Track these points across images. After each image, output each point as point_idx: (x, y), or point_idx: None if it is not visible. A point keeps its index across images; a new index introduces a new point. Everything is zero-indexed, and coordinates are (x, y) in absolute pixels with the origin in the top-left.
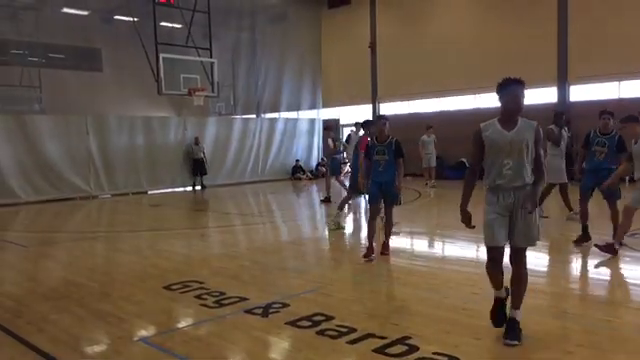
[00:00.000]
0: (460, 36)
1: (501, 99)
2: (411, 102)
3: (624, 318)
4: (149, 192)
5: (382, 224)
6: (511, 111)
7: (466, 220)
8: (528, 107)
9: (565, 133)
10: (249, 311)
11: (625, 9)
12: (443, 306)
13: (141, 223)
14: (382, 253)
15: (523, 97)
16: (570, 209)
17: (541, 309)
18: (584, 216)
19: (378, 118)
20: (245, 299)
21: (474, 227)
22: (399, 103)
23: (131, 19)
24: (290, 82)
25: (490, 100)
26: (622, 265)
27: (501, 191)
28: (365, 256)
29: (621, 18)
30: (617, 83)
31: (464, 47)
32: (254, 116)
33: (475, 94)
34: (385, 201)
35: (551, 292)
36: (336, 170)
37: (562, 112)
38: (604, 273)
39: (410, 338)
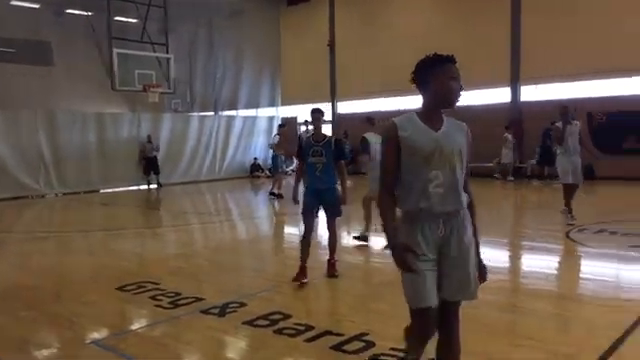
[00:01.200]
0: (418, 35)
1: (430, 84)
2: (371, 101)
3: (573, 311)
4: (101, 191)
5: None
6: (447, 101)
7: (407, 260)
8: (483, 107)
9: (575, 128)
10: (205, 311)
11: (575, 13)
12: (400, 302)
13: (93, 223)
14: (330, 275)
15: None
16: (567, 207)
17: (491, 304)
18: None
19: (313, 112)
20: (201, 299)
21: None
22: (358, 101)
23: (84, 13)
24: (248, 79)
25: None
26: (570, 259)
27: (425, 221)
28: (295, 279)
29: (572, 21)
30: (568, 84)
31: (422, 46)
32: (212, 113)
33: None
34: (325, 212)
35: (501, 287)
36: (276, 168)
37: (566, 106)
38: (553, 267)
39: (367, 334)
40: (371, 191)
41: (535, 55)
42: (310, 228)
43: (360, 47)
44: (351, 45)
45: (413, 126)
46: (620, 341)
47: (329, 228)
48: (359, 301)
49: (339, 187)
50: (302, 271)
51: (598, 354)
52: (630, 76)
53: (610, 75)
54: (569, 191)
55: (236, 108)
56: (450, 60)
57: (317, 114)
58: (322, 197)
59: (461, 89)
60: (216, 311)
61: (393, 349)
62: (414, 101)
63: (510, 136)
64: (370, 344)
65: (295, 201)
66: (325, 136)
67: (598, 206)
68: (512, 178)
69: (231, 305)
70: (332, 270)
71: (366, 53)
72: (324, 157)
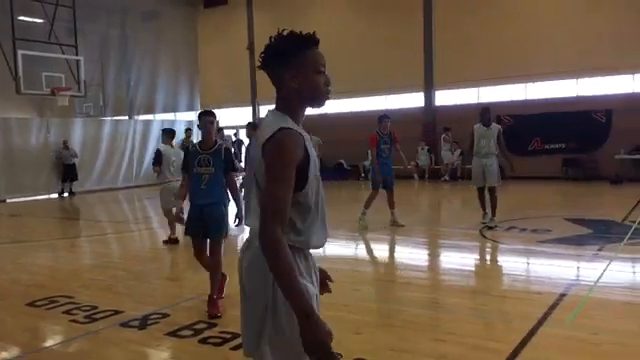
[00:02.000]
0: (335, 40)
1: (291, 77)
2: None
3: (489, 305)
4: (8, 200)
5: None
6: (317, 101)
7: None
8: (399, 111)
9: (491, 131)
10: (125, 324)
11: (485, 22)
12: (324, 304)
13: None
14: (210, 315)
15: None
16: (482, 208)
17: (412, 301)
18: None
19: (202, 115)
20: (120, 312)
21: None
22: None
23: None
24: (165, 82)
25: (366, 104)
26: (485, 256)
27: (309, 258)
28: (210, 313)
29: (481, 29)
30: (476, 89)
31: (339, 51)
32: (126, 117)
33: (350, 97)
34: (207, 232)
35: (421, 284)
36: None
37: (487, 108)
38: (469, 264)
39: None
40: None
41: (447, 61)
42: (201, 249)
43: None
44: None
45: (305, 135)
46: (533, 332)
47: (211, 253)
48: None
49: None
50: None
51: (514, 345)
52: (534, 81)
53: (516, 80)
54: (481, 193)
55: (153, 112)
56: (315, 42)
57: (207, 117)
58: (205, 214)
59: (329, 83)
60: (136, 323)
61: None
62: (335, 105)
63: (449, 137)
64: None
65: (178, 219)
66: (216, 142)
67: (507, 205)
68: (447, 178)
69: (152, 316)
70: (213, 310)
71: None
72: (212, 167)
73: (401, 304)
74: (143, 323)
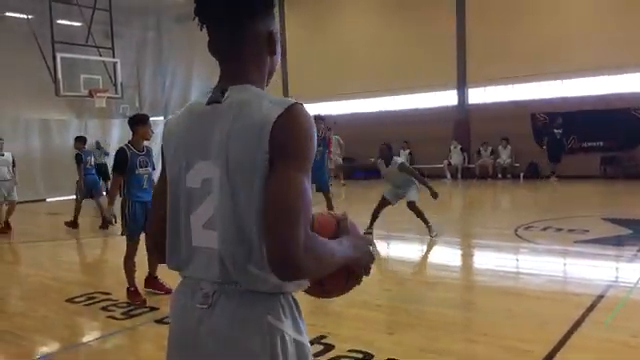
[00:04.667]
0: (366, 39)
1: (276, 33)
2: (320, 104)
3: (523, 306)
4: (48, 200)
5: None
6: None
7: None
8: (430, 110)
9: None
10: (160, 321)
11: (519, 16)
12: (356, 304)
13: (39, 233)
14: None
15: None
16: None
17: (447, 301)
18: None
19: (143, 118)
20: (156, 309)
21: None
22: (309, 105)
23: (24, 16)
24: (200, 83)
25: (397, 102)
26: (520, 256)
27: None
28: (134, 300)
29: (515, 25)
30: (511, 86)
31: (370, 50)
32: (162, 118)
33: (381, 96)
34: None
35: (455, 285)
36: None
37: (388, 144)
38: (503, 265)
39: (325, 337)
40: None
41: (480, 58)
42: (135, 251)
43: (312, 51)
44: (303, 49)
45: None
46: (570, 334)
47: None
48: (317, 304)
49: None
50: (136, 294)
51: (550, 347)
52: (571, 78)
53: (552, 77)
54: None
55: None
56: None
57: (145, 119)
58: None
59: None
60: None
61: (352, 350)
62: (364, 105)
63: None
64: (329, 347)
65: (114, 221)
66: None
67: (543, 204)
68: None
69: None
70: (137, 298)
71: (318, 57)
72: (150, 167)
73: (433, 304)
74: None
